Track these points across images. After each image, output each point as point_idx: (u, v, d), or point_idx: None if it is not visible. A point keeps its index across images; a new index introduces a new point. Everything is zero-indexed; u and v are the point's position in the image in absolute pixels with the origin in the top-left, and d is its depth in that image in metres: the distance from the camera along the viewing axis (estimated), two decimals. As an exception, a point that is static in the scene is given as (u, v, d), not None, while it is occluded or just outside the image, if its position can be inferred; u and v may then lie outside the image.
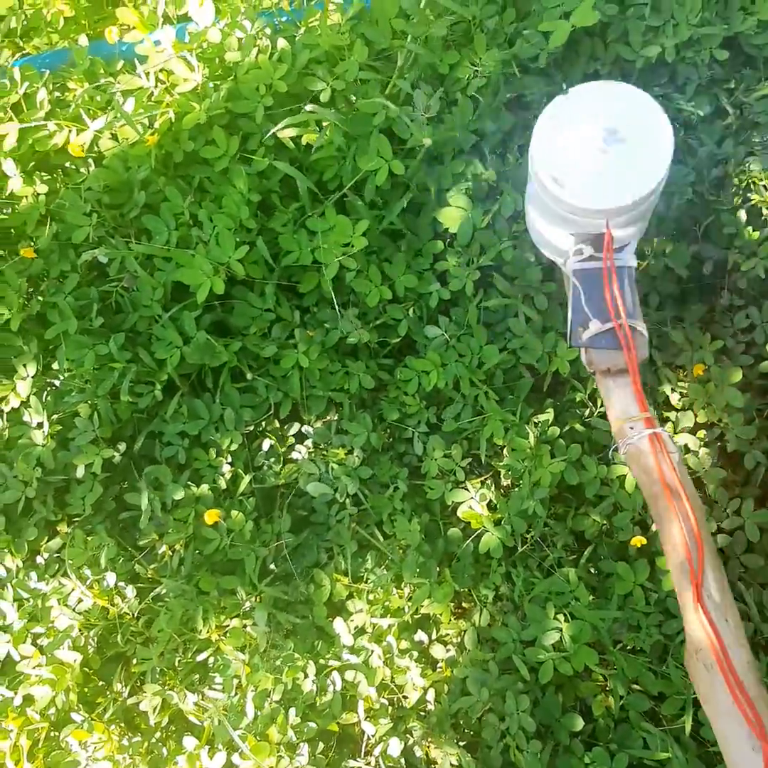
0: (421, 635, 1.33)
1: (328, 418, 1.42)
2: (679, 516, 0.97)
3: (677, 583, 0.96)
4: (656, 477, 1.00)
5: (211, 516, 1.26)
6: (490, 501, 1.33)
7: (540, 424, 1.34)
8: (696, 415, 1.33)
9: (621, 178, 1.08)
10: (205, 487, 1.33)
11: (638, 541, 1.25)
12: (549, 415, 1.34)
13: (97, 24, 1.47)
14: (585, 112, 1.12)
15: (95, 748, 1.25)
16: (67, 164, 1.41)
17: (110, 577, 1.29)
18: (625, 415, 1.07)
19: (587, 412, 1.38)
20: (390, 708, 1.31)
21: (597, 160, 1.09)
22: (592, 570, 1.34)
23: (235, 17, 1.36)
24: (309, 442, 1.41)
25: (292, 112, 1.40)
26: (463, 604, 1.39)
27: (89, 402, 1.33)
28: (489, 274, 1.36)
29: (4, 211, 1.37)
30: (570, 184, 1.08)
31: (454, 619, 1.35)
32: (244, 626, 1.28)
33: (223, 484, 1.35)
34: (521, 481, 1.32)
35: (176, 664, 1.28)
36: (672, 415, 1.36)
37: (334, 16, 1.43)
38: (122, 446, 1.33)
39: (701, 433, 1.33)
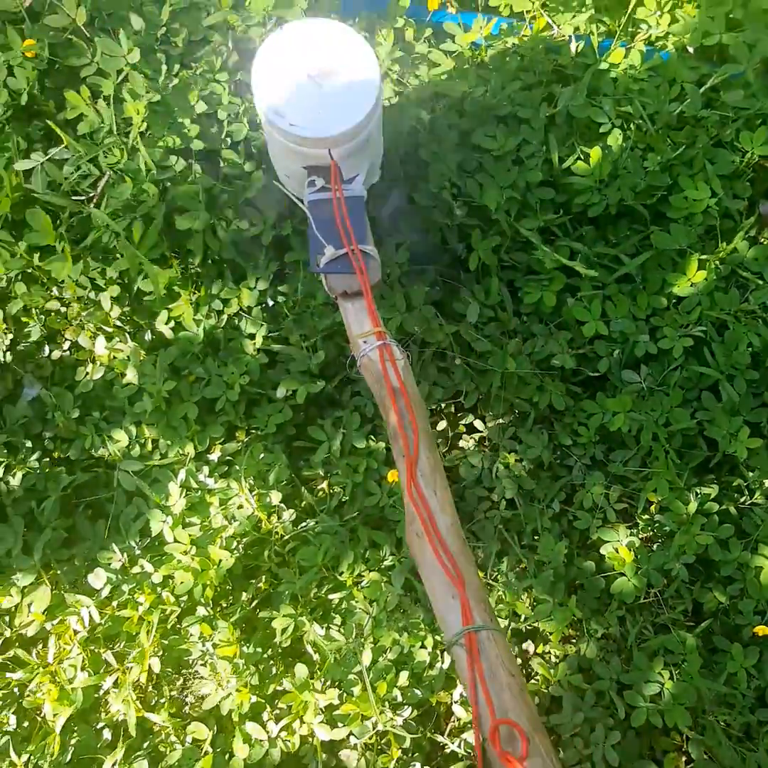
0: (528, 644, 1.46)
1: (502, 420, 1.55)
2: (400, 411, 1.10)
3: (399, 467, 1.10)
4: (383, 380, 1.13)
5: (391, 475, 1.39)
6: (636, 549, 1.46)
7: (701, 496, 1.47)
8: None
9: (335, 109, 1.22)
10: (382, 444, 1.46)
11: (762, 630, 1.39)
12: (713, 491, 1.47)
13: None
14: (299, 47, 1.25)
15: (214, 645, 1.37)
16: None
17: (275, 496, 1.41)
18: (361, 331, 1.19)
19: (743, 498, 1.51)
20: (479, 701, 1.44)
21: (313, 92, 1.23)
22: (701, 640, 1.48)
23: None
24: (477, 436, 1.54)
25: (569, 136, 1.54)
26: (570, 630, 1.52)
27: (303, 334, 1.45)
28: (700, 342, 1.49)
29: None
30: (290, 115, 1.21)
31: (560, 642, 1.48)
32: (382, 581, 1.40)
33: (396, 447, 1.47)
34: (667, 541, 1.46)
35: (311, 595, 1.40)
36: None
37: (633, 57, 1.55)
38: (321, 383, 1.45)
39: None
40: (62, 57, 1.37)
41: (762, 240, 1.56)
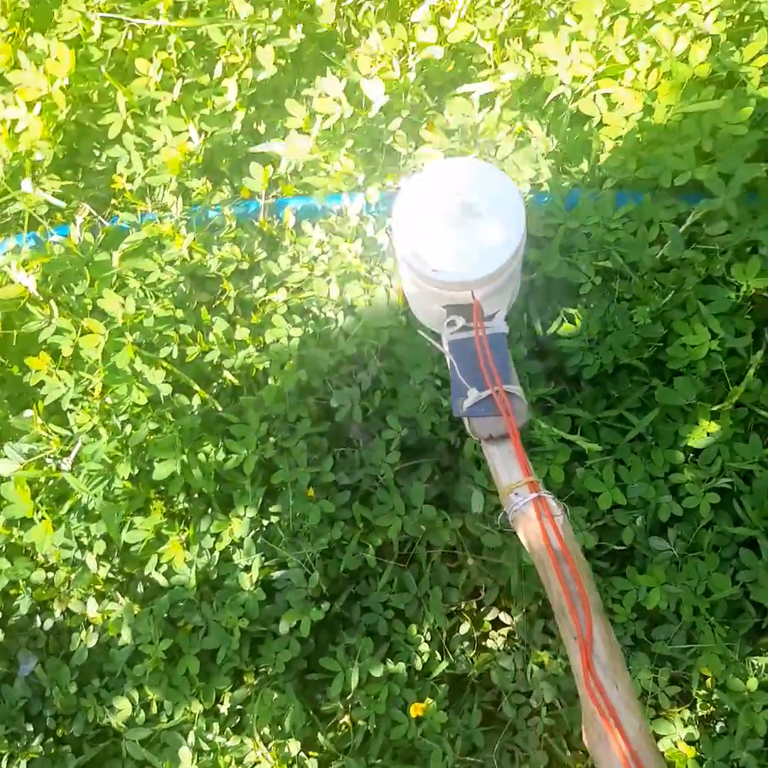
0: None
1: (531, 610, 1.47)
2: (566, 579, 0.99)
3: (568, 648, 0.98)
4: (542, 542, 1.03)
5: (415, 709, 1.31)
6: (696, 740, 1.35)
7: (758, 667, 1.36)
8: None
9: (479, 250, 1.19)
10: (401, 666, 1.39)
11: None
12: (769, 661, 1.36)
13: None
14: (440, 187, 1.23)
15: None
16: (317, 310, 1.52)
17: (293, 745, 1.33)
18: (510, 480, 1.11)
19: (806, 660, 1.40)
20: None
21: (455, 233, 1.20)
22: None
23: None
24: (505, 631, 1.46)
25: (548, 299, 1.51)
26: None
27: (301, 559, 1.41)
28: (727, 500, 1.41)
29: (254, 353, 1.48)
30: (431, 258, 1.19)
31: None
32: (425, 826, 1.31)
33: (418, 664, 1.40)
34: (729, 720, 1.35)
35: None
36: None
37: (605, 206, 1.54)
38: (326, 606, 1.40)
39: None
40: (18, 325, 1.40)
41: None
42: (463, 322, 1.22)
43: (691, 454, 1.45)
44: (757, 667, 1.37)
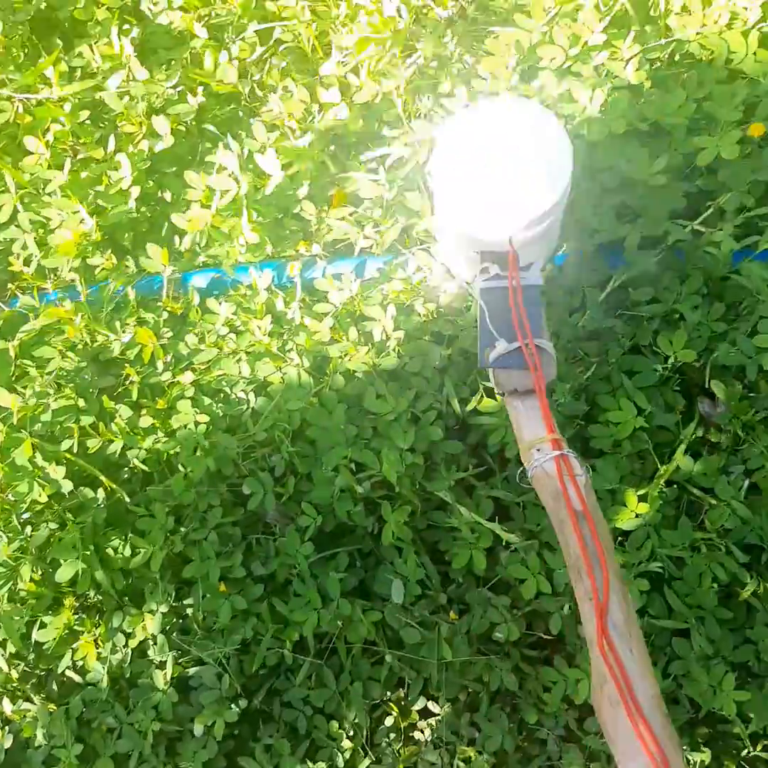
0: None
1: (460, 700, 1.43)
2: (585, 541, 0.95)
3: (583, 611, 0.94)
4: (562, 501, 0.99)
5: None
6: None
7: (693, 763, 1.31)
8: None
9: (521, 195, 1.13)
10: (322, 765, 1.35)
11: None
12: (706, 756, 1.31)
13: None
14: (483, 128, 1.17)
15: None
16: (228, 389, 1.46)
17: None
18: (533, 437, 1.06)
19: (745, 751, 1.34)
20: None
21: (496, 176, 1.15)
22: None
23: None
24: (433, 721, 1.42)
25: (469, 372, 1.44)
26: None
27: (216, 657, 1.37)
28: (658, 584, 1.35)
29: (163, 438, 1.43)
30: (470, 200, 1.14)
31: None
32: None
33: (340, 761, 1.37)
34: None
35: None
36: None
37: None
38: (243, 703, 1.37)
39: None
40: None
41: (710, 438, 1.41)
42: (497, 270, 1.17)
43: (620, 537, 1.38)
44: (692, 763, 1.32)
